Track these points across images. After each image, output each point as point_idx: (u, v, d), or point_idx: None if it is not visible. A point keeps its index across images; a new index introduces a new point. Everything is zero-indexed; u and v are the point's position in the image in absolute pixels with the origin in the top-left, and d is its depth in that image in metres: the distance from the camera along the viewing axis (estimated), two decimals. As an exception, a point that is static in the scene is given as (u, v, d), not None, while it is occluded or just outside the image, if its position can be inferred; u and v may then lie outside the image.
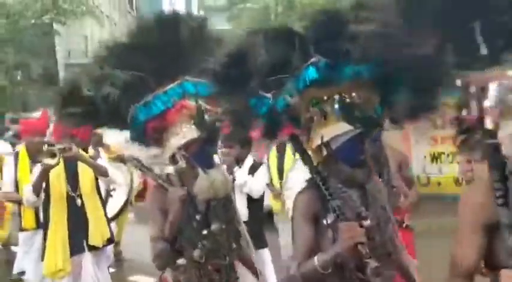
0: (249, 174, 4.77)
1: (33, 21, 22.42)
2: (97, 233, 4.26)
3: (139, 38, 2.69)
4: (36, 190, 4.00)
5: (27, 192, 3.99)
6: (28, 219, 4.61)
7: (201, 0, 58.93)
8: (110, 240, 4.53)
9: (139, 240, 4.12)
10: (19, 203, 4.74)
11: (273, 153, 5.97)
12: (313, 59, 2.02)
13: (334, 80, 2.05)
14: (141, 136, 2.62)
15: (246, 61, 2.03)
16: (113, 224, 5.44)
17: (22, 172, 4.64)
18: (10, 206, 5.53)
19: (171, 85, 2.64)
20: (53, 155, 3.80)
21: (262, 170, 4.92)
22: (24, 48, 22.43)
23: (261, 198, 4.96)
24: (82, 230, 4.19)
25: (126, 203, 6.49)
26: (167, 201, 2.58)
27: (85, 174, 4.30)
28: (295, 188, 2.37)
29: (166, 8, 66.51)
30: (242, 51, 2.09)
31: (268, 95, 2.07)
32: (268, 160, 5.84)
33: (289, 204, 3.19)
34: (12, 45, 21.78)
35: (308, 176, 2.20)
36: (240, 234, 2.72)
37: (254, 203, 4.79)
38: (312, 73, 2.02)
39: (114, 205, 6.03)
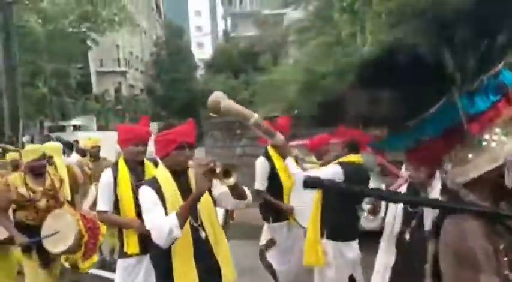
0: None
1: (70, 29, 22.40)
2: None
3: None
4: (185, 221, 2.68)
5: (171, 224, 2.56)
6: (132, 244, 3.73)
7: (228, 8, 58.88)
8: None
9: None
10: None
11: None
12: None
13: None
14: None
15: None
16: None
17: (123, 188, 3.60)
18: (104, 228, 4.83)
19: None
20: (226, 173, 2.64)
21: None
22: (60, 56, 22.44)
23: None
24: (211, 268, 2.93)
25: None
26: None
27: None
28: None
29: (192, 15, 66.34)
30: None
31: None
32: None
33: None
34: (49, 52, 21.77)
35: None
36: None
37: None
38: None
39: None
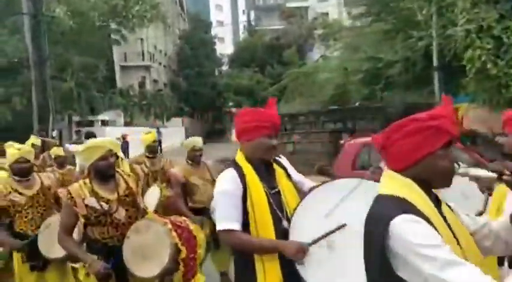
0: None
1: (98, 23, 21.94)
2: None
3: None
4: None
5: None
6: (272, 274, 2.79)
7: (250, 1, 58.07)
8: None
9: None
10: None
11: None
12: None
13: None
14: None
15: None
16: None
17: (256, 198, 2.48)
18: (202, 238, 3.98)
19: None
20: None
21: None
22: (87, 50, 21.96)
23: None
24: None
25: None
26: None
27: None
28: None
29: (213, 9, 66.28)
30: None
31: None
32: None
33: None
34: (77, 46, 21.32)
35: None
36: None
37: None
38: None
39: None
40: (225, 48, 55.86)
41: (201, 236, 3.34)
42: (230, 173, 2.49)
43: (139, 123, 30.33)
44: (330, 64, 22.18)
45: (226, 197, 2.44)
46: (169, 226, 3.11)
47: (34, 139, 7.41)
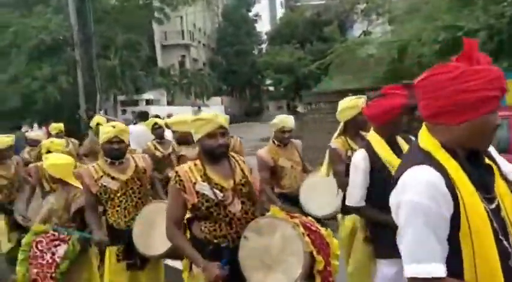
0: None
1: (141, 1, 21.62)
2: None
3: None
4: None
5: None
6: None
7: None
8: None
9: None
10: None
11: None
12: None
13: None
14: None
15: None
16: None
17: (470, 206, 1.58)
18: (336, 244, 3.28)
19: None
20: None
21: None
22: (131, 29, 21.67)
23: None
24: None
25: None
26: None
27: None
28: None
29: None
30: None
31: None
32: None
33: None
34: (120, 24, 21.04)
35: None
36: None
37: None
38: None
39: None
40: (262, 25, 54.95)
41: (335, 242, 2.58)
42: (427, 175, 1.42)
43: (181, 103, 30.11)
44: (381, 39, 21.06)
45: (425, 220, 1.39)
46: (301, 229, 2.38)
47: (99, 118, 7.04)
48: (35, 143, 7.34)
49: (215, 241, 2.49)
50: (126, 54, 20.79)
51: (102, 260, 3.72)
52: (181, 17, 37.17)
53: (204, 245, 2.49)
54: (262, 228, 2.42)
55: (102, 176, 3.38)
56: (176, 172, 2.53)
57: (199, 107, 25.65)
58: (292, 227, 2.39)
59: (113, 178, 3.38)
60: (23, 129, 16.68)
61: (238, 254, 2.42)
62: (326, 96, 13.39)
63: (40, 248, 3.60)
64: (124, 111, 18.92)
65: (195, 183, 2.48)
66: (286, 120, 4.39)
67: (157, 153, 5.56)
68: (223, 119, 2.55)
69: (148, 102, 24.09)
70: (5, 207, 5.10)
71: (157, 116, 7.83)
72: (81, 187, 3.78)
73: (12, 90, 18.04)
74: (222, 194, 2.48)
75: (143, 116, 9.45)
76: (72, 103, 16.84)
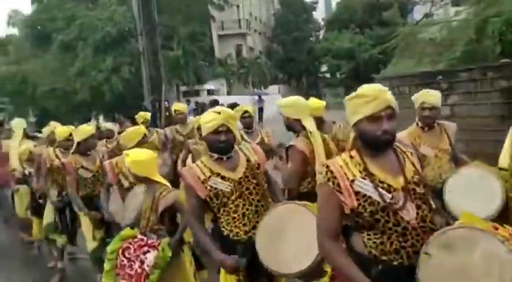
0: None
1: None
2: None
3: None
4: None
5: None
6: None
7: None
8: None
9: None
10: None
11: None
12: None
13: None
14: None
15: None
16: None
17: None
18: None
19: None
20: None
21: None
22: (192, 20, 21.50)
23: None
24: None
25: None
26: None
27: None
28: None
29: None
30: None
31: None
32: None
33: None
34: (181, 14, 20.90)
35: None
36: None
37: None
38: None
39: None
40: (317, 12, 53.73)
41: None
42: None
43: (239, 92, 29.86)
44: (454, 18, 19.63)
45: None
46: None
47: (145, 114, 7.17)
48: (111, 134, 7.13)
49: (383, 258, 1.89)
50: (188, 44, 20.64)
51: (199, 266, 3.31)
52: (238, 6, 36.80)
53: (370, 264, 1.89)
54: (451, 240, 1.79)
55: (210, 177, 2.69)
56: (327, 167, 1.95)
57: (259, 96, 25.23)
58: (499, 241, 1.72)
59: (223, 178, 2.69)
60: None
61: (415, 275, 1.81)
62: (399, 80, 12.51)
63: (128, 255, 3.16)
64: (188, 101, 18.84)
65: (352, 181, 1.90)
66: (428, 94, 3.63)
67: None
68: (390, 97, 1.93)
69: (210, 92, 23.93)
70: (93, 201, 4.80)
71: (215, 103, 7.59)
72: (166, 183, 3.33)
73: (80, 83, 18.35)
74: (390, 196, 1.89)
75: (215, 104, 9.15)
76: (135, 94, 16.86)
